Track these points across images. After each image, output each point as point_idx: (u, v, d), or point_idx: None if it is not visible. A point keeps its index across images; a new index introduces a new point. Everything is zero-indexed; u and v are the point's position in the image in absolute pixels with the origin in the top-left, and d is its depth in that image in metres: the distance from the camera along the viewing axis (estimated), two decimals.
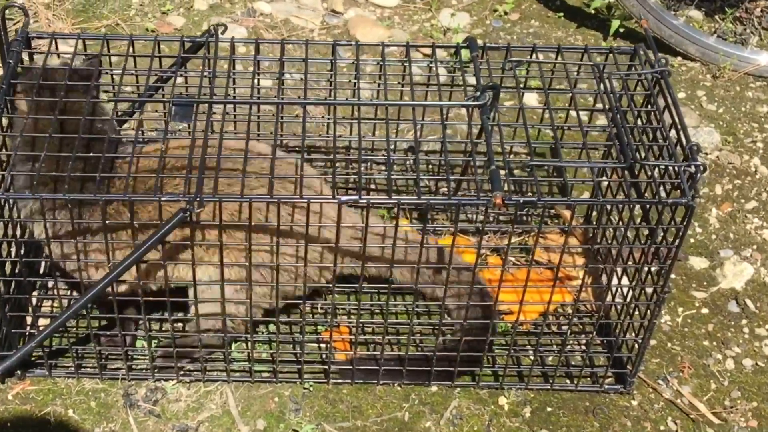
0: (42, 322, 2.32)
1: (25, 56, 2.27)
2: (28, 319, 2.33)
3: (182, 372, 2.31)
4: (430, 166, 2.95)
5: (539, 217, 2.73)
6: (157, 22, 3.48)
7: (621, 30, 3.60)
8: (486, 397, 2.36)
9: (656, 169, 2.15)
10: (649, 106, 2.25)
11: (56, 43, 2.34)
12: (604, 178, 2.53)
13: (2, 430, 2.19)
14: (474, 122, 2.19)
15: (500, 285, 2.13)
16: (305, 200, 1.96)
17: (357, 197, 1.95)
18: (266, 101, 2.42)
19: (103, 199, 1.95)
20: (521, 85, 2.32)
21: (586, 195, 2.91)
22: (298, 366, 2.34)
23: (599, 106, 2.22)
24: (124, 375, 2.30)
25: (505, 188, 1.97)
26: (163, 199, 1.94)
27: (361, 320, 2.25)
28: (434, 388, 2.38)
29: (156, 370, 2.31)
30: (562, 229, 2.70)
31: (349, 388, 2.36)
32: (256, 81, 2.27)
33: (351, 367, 2.30)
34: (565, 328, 2.42)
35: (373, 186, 2.84)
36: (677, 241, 2.06)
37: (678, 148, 2.09)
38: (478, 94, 2.12)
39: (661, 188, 2.11)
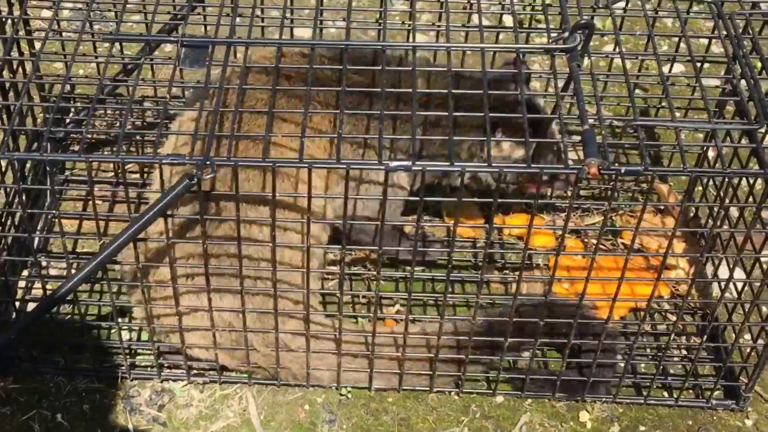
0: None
1: None
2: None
3: (194, 371, 2.01)
4: None
5: (637, 191, 2.39)
6: None
7: None
8: (564, 412, 2.00)
9: None
10: None
11: None
12: (725, 143, 2.11)
13: None
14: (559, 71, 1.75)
15: (588, 276, 1.73)
16: (344, 166, 1.55)
17: (409, 163, 1.55)
18: (299, 42, 2.00)
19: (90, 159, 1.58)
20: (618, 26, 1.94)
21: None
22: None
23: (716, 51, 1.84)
24: (124, 373, 2.00)
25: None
26: (164, 162, 1.56)
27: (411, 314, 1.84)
28: (500, 399, 2.01)
29: (163, 369, 2.00)
30: (657, 207, 2.29)
31: (395, 395, 2.01)
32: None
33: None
34: (662, 328, 2.12)
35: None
36: None
37: None
38: (566, 35, 1.72)
39: None
